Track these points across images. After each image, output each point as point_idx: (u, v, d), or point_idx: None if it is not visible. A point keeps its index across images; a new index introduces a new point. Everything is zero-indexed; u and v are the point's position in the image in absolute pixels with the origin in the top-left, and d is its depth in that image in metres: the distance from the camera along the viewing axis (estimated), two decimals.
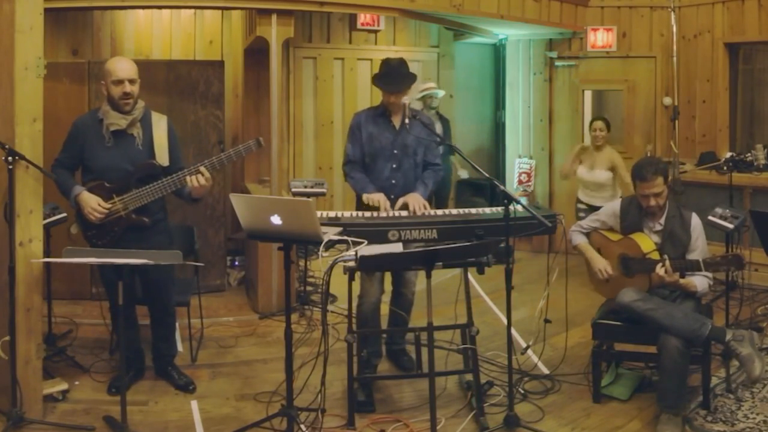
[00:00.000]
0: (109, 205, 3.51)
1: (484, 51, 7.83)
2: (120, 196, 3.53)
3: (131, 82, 3.54)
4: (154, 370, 3.93)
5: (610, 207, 3.79)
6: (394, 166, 3.90)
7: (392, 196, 3.84)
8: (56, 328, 4.35)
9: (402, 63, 3.91)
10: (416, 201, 3.75)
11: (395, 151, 3.90)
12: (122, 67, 3.54)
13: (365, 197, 3.79)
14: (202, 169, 3.47)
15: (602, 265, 3.73)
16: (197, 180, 3.46)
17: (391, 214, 3.71)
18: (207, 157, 3.51)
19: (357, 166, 3.94)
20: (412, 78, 3.88)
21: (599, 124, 5.62)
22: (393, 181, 3.89)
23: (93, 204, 3.48)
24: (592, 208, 5.48)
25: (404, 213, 3.72)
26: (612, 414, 3.52)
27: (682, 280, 3.47)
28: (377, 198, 3.76)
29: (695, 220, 3.60)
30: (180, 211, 5.13)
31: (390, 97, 3.81)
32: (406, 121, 3.56)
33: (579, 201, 5.80)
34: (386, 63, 3.93)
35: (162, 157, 3.61)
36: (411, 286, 4.04)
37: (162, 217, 3.76)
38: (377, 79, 3.89)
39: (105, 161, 3.55)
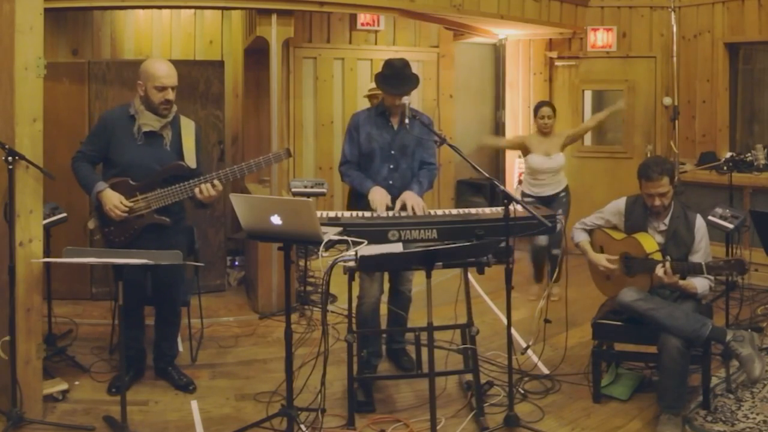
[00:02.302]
0: (131, 204, 3.52)
1: (484, 51, 7.83)
2: (144, 195, 3.54)
3: (173, 89, 3.57)
4: (154, 370, 3.93)
5: (615, 205, 3.79)
6: (392, 166, 3.90)
7: (389, 197, 3.83)
8: (56, 328, 4.34)
9: (405, 64, 3.88)
10: (414, 201, 3.74)
11: (393, 152, 3.89)
12: (167, 74, 3.56)
13: (370, 197, 3.76)
14: (215, 182, 3.49)
15: (603, 261, 3.72)
16: (207, 190, 3.48)
17: (390, 213, 3.71)
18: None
19: (353, 166, 3.94)
20: (416, 80, 3.86)
21: (547, 110, 5.37)
22: (390, 182, 3.88)
23: (115, 201, 3.49)
24: (540, 199, 5.21)
25: (404, 213, 3.72)
26: (612, 414, 3.52)
27: (681, 282, 3.47)
28: (379, 201, 3.75)
29: (699, 222, 3.60)
30: None
31: (394, 100, 3.79)
32: (406, 121, 3.55)
33: (524, 195, 5.38)
34: (389, 64, 3.88)
35: (190, 160, 3.63)
36: (408, 283, 4.05)
37: (182, 217, 3.79)
38: (380, 81, 3.86)
39: (132, 158, 3.56)
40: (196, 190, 3.50)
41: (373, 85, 6.31)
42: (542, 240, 5.26)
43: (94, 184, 3.53)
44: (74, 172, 3.60)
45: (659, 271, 3.41)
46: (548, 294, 4.89)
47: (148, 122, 3.58)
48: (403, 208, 3.75)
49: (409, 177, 3.92)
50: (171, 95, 3.57)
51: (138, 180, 3.55)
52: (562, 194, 5.39)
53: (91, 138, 3.69)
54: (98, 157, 3.66)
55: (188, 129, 3.71)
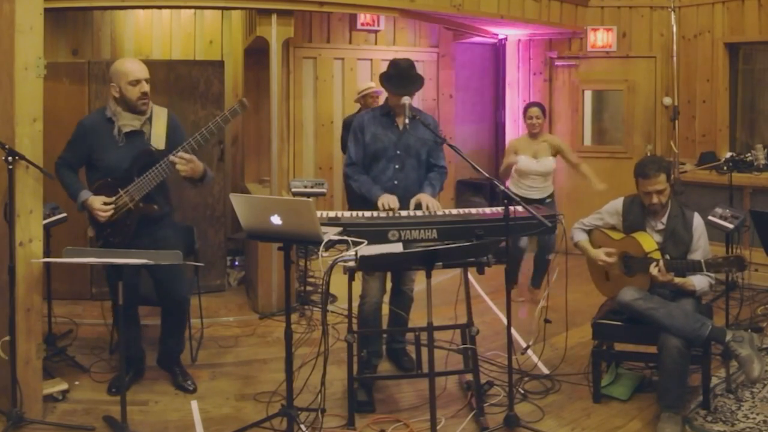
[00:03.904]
0: (113, 199, 3.52)
1: (484, 51, 7.83)
2: (124, 189, 3.54)
3: (147, 81, 3.58)
4: (157, 363, 3.93)
5: (612, 205, 3.79)
6: (397, 167, 3.90)
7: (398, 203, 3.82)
8: (56, 328, 4.34)
9: (411, 65, 3.87)
10: (430, 201, 3.77)
11: (398, 152, 3.89)
12: (139, 68, 3.57)
13: (380, 203, 3.75)
14: (172, 158, 3.46)
15: (602, 256, 3.71)
16: (180, 164, 3.45)
17: (391, 214, 3.71)
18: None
19: (360, 168, 3.93)
20: (421, 80, 3.86)
21: (535, 111, 5.31)
22: (395, 182, 3.88)
23: (97, 205, 3.50)
24: (526, 202, 5.19)
25: (404, 213, 3.72)
26: (612, 414, 3.52)
27: (678, 279, 3.47)
28: (392, 203, 3.74)
29: (697, 220, 3.60)
30: (180, 211, 5.12)
31: (397, 99, 3.79)
32: (406, 121, 3.56)
33: None
34: (395, 64, 3.88)
35: (157, 142, 3.61)
36: (410, 283, 4.05)
37: (168, 211, 3.79)
38: (386, 81, 3.85)
39: (116, 160, 3.56)
40: (177, 167, 3.47)
41: (363, 86, 6.37)
42: (523, 242, 5.24)
43: (78, 193, 3.54)
44: (59, 178, 3.58)
45: (653, 270, 3.41)
46: (548, 294, 4.87)
47: (128, 122, 3.58)
48: (418, 207, 3.75)
49: (414, 177, 3.92)
50: (147, 88, 3.58)
51: (116, 178, 3.55)
52: (548, 200, 5.29)
53: (71, 146, 3.64)
54: (79, 164, 3.65)
55: (159, 115, 3.69)
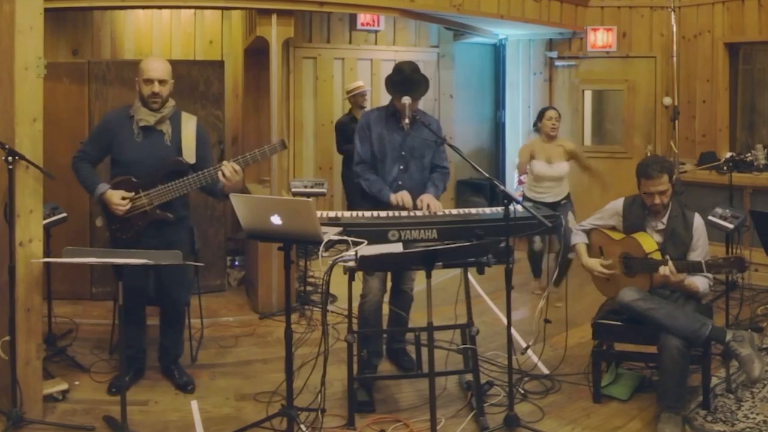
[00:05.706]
0: (131, 195, 3.55)
1: (484, 51, 7.83)
2: (146, 191, 3.57)
3: (161, 82, 3.63)
4: (157, 368, 3.93)
5: (612, 206, 3.79)
6: (402, 167, 3.89)
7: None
8: (56, 328, 4.34)
9: (415, 69, 3.84)
10: (432, 202, 3.77)
11: (403, 153, 3.89)
12: (154, 68, 3.64)
13: (393, 198, 3.75)
14: (227, 165, 3.49)
15: (598, 267, 3.72)
16: (227, 170, 3.47)
17: (392, 213, 3.71)
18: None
19: (369, 167, 3.92)
20: (426, 83, 3.84)
21: (554, 113, 5.29)
22: (400, 183, 3.88)
23: (116, 200, 3.53)
24: (542, 206, 4.99)
25: (404, 213, 3.72)
26: (612, 414, 3.52)
27: (686, 281, 3.47)
28: (405, 200, 3.75)
29: (698, 221, 3.60)
30: None
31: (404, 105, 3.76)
32: (406, 121, 3.55)
33: (525, 198, 5.30)
34: (399, 70, 3.84)
35: (189, 156, 3.68)
36: (411, 282, 4.05)
37: (185, 215, 3.81)
38: (391, 87, 3.82)
39: (133, 154, 3.61)
40: (219, 174, 3.49)
41: (352, 86, 6.43)
42: (538, 244, 5.26)
43: (96, 186, 3.58)
44: (75, 171, 3.65)
45: (664, 270, 3.39)
46: (548, 294, 4.87)
47: (143, 117, 3.63)
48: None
49: (418, 179, 3.92)
50: (158, 88, 3.61)
51: (140, 177, 3.58)
52: (564, 201, 5.30)
53: (93, 138, 3.76)
54: (99, 158, 3.71)
55: (188, 125, 3.75)
